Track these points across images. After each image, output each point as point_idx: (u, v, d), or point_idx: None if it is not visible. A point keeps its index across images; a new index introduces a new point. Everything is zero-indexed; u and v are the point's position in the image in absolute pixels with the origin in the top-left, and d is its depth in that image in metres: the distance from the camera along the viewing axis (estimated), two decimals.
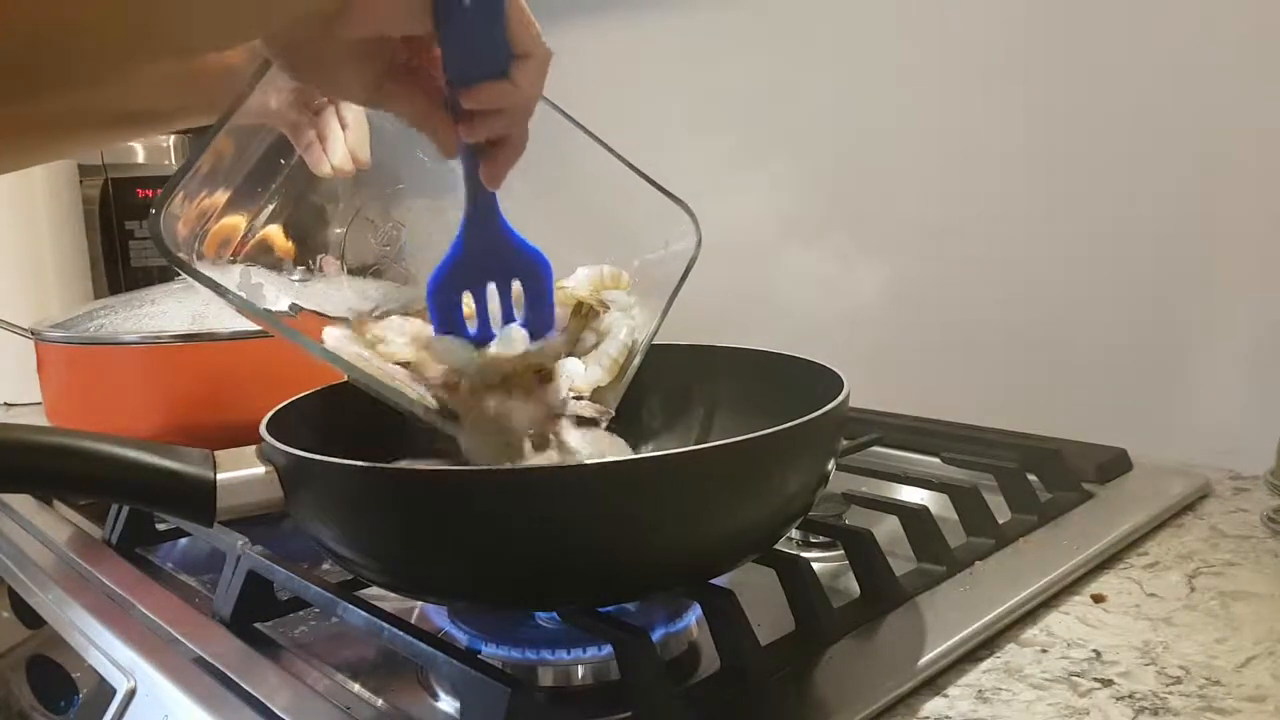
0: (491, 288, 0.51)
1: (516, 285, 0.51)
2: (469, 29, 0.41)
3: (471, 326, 0.51)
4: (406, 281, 0.58)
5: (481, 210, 0.48)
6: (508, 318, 0.51)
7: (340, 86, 0.44)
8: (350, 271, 0.58)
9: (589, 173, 0.54)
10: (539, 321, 0.52)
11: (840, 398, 0.49)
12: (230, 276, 0.50)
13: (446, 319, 0.50)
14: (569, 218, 0.56)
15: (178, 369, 0.75)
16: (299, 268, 0.56)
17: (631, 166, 0.54)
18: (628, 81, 1.12)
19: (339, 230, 0.58)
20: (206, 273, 0.45)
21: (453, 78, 0.43)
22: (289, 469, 0.46)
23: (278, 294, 0.52)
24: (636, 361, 0.55)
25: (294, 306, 0.53)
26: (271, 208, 0.55)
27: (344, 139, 0.57)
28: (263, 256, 0.54)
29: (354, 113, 0.58)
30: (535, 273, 0.51)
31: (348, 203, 0.59)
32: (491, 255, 0.50)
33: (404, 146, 0.54)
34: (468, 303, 0.51)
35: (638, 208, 0.55)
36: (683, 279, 0.55)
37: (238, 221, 0.53)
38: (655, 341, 0.56)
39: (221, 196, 0.51)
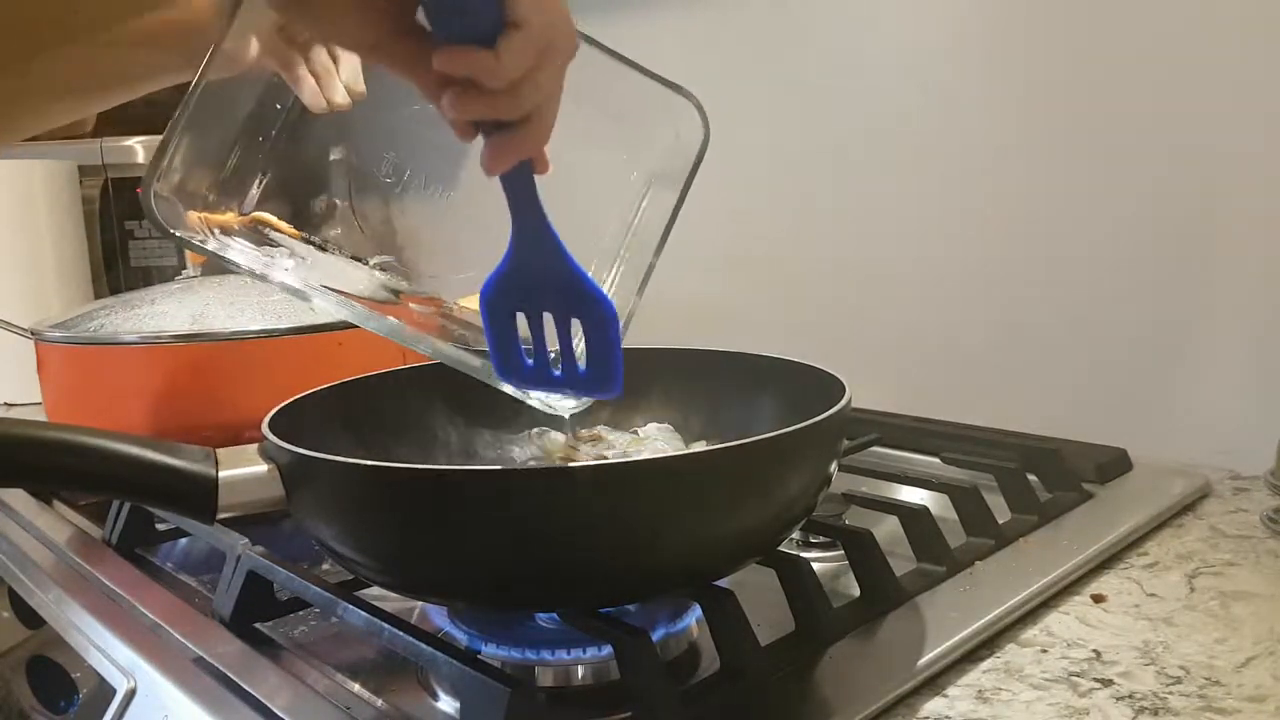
0: (549, 319, 0.46)
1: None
2: None
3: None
4: (408, 278, 0.57)
5: (525, 222, 0.43)
6: (566, 355, 0.47)
7: (342, 36, 0.41)
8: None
9: (590, 75, 0.53)
10: (598, 380, 0.46)
11: (842, 403, 0.49)
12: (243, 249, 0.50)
13: (500, 334, 0.46)
14: (576, 121, 0.56)
15: (178, 369, 0.75)
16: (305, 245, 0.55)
17: (629, 62, 0.52)
18: None
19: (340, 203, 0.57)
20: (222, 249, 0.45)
21: (434, 32, 0.37)
22: (290, 467, 0.46)
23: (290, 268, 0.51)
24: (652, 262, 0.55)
25: (392, 290, 0.53)
26: (270, 173, 0.53)
27: (337, 73, 0.56)
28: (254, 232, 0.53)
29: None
30: (597, 318, 0.45)
31: (339, 186, 0.58)
32: (545, 278, 0.44)
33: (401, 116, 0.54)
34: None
35: (644, 103, 0.54)
36: (694, 168, 0.54)
37: (241, 187, 0.52)
38: (660, 345, 0.55)
39: (220, 161, 0.50)
